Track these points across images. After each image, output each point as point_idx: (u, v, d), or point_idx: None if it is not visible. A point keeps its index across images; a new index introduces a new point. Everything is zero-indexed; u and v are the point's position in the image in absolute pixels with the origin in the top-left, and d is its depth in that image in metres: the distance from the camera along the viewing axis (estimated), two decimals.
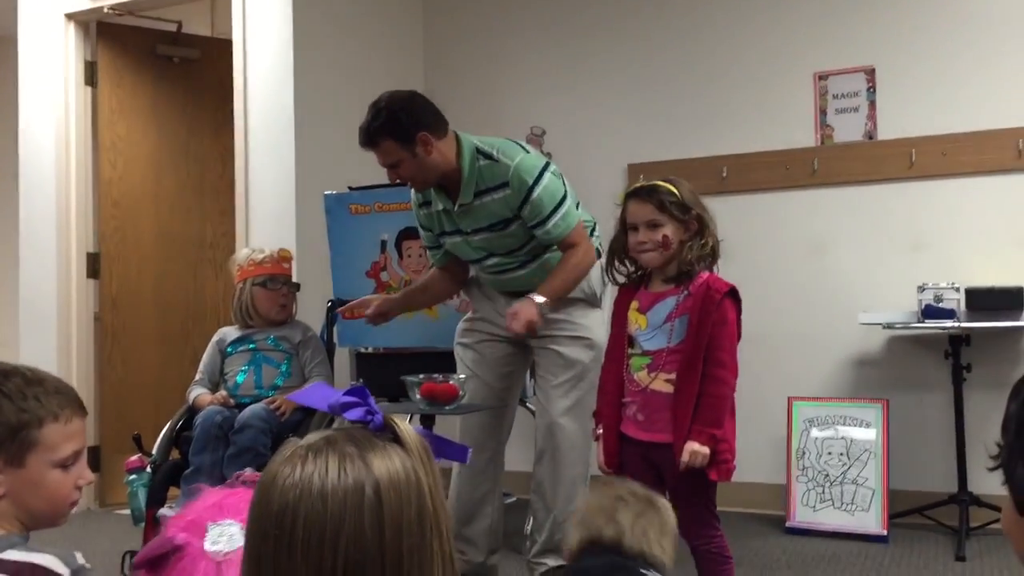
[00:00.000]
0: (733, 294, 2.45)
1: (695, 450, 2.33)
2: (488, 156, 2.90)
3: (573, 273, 2.93)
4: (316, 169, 4.33)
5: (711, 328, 2.39)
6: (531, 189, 2.85)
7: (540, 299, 2.81)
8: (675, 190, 2.47)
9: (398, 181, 2.98)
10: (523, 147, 2.95)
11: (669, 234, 2.46)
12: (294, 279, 3.65)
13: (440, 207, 3.01)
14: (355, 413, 1.01)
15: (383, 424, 1.00)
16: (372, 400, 1.02)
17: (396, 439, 1.00)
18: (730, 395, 2.41)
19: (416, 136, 2.84)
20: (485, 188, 2.89)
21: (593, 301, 3.07)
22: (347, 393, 1.02)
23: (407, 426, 1.02)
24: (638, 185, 2.56)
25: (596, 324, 3.05)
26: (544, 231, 2.90)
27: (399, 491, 0.95)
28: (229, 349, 3.42)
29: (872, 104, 4.22)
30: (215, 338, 3.51)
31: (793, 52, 4.36)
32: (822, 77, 4.31)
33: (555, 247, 2.97)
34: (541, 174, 2.87)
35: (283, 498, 0.94)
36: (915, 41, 4.16)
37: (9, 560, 1.33)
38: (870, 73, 4.22)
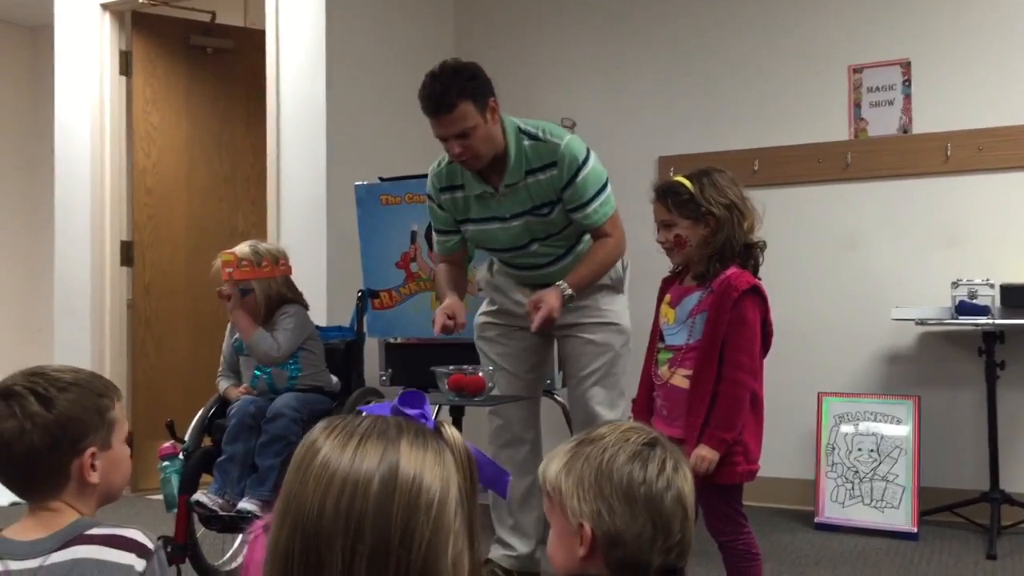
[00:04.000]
0: (755, 292, 2.41)
1: (701, 455, 2.31)
2: (533, 136, 2.85)
3: (602, 266, 2.91)
4: (347, 160, 4.35)
5: (728, 327, 2.36)
6: (579, 170, 2.82)
7: (568, 290, 2.79)
8: (690, 187, 2.43)
9: (460, 156, 2.79)
10: (566, 129, 2.92)
11: (682, 233, 2.44)
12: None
13: (476, 191, 2.92)
14: (410, 414, 1.02)
15: (435, 429, 1.02)
16: (428, 407, 1.03)
17: (444, 443, 1.01)
18: (746, 396, 2.36)
19: (488, 100, 2.77)
20: (531, 168, 2.85)
21: (618, 287, 3.05)
22: (405, 398, 1.04)
23: (457, 434, 1.02)
24: (660, 183, 2.56)
25: (622, 309, 3.04)
26: (584, 215, 2.87)
27: (416, 480, 0.95)
28: (237, 345, 3.39)
29: (907, 98, 4.18)
30: (228, 328, 3.46)
31: (828, 45, 4.32)
32: (857, 70, 4.27)
33: (585, 238, 2.96)
34: (587, 157, 2.85)
35: (312, 440, 0.97)
36: (951, 34, 4.11)
37: (99, 534, 1.40)
38: (906, 66, 4.18)
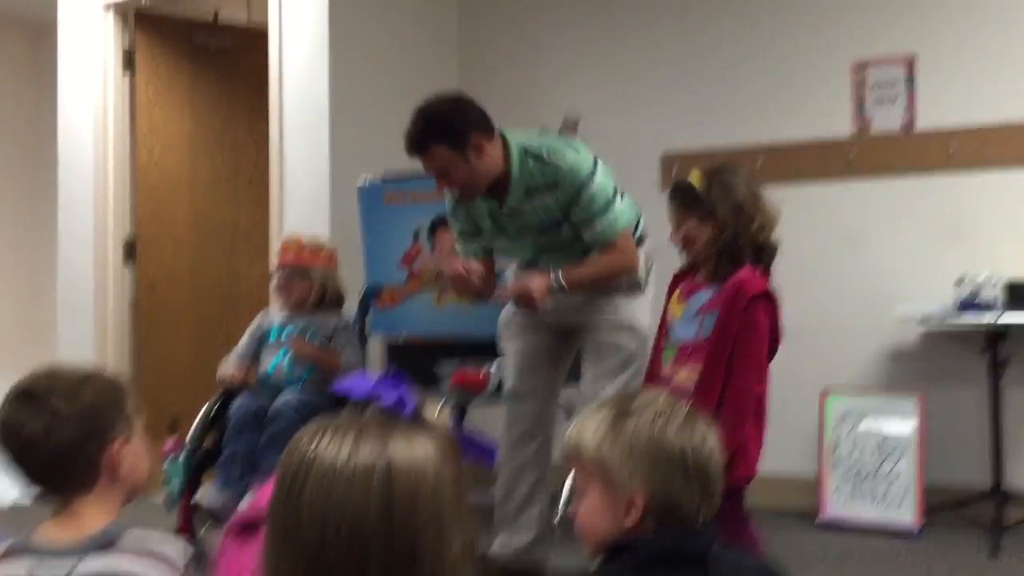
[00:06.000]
0: (767, 296, 2.40)
1: None
2: (537, 156, 2.83)
3: (602, 271, 2.90)
4: (350, 158, 4.34)
5: (737, 330, 2.35)
6: (581, 190, 2.80)
7: (559, 280, 2.80)
8: (697, 185, 2.43)
9: (447, 190, 2.88)
10: (572, 146, 2.90)
11: (691, 232, 2.44)
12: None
13: (485, 208, 2.94)
14: (389, 399, 1.02)
15: (414, 413, 1.02)
16: (407, 389, 1.03)
17: (425, 428, 1.01)
18: (751, 401, 2.36)
19: (469, 140, 2.77)
20: (534, 190, 2.84)
21: (637, 288, 3.01)
22: (385, 381, 1.04)
23: (437, 417, 1.02)
24: (674, 182, 2.56)
25: (639, 311, 3.01)
26: (591, 233, 2.86)
27: (413, 473, 0.95)
28: (268, 332, 3.46)
29: (911, 94, 4.16)
30: (256, 322, 3.55)
31: (831, 40, 4.31)
32: (861, 66, 4.26)
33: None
34: (592, 175, 2.82)
35: (300, 459, 0.97)
36: (956, 29, 4.09)
37: (131, 542, 1.38)
38: (910, 62, 4.16)
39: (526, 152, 2.84)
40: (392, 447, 0.96)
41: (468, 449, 1.06)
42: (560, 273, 2.82)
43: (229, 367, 3.41)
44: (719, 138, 4.43)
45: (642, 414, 1.35)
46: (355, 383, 1.06)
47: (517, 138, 2.88)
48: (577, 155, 2.84)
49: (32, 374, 1.47)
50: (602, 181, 2.84)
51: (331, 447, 0.96)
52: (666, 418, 1.35)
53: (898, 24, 4.19)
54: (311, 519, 0.93)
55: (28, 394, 1.43)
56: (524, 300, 2.79)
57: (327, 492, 0.93)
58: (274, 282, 3.50)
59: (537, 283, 2.79)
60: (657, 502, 1.30)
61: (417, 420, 1.02)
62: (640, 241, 3.00)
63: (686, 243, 2.46)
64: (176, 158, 5.02)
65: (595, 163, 2.86)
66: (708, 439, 1.36)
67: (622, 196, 2.95)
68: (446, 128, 2.76)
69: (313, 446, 0.97)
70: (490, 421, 3.24)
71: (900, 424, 3.93)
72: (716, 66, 4.53)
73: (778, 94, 4.40)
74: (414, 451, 0.96)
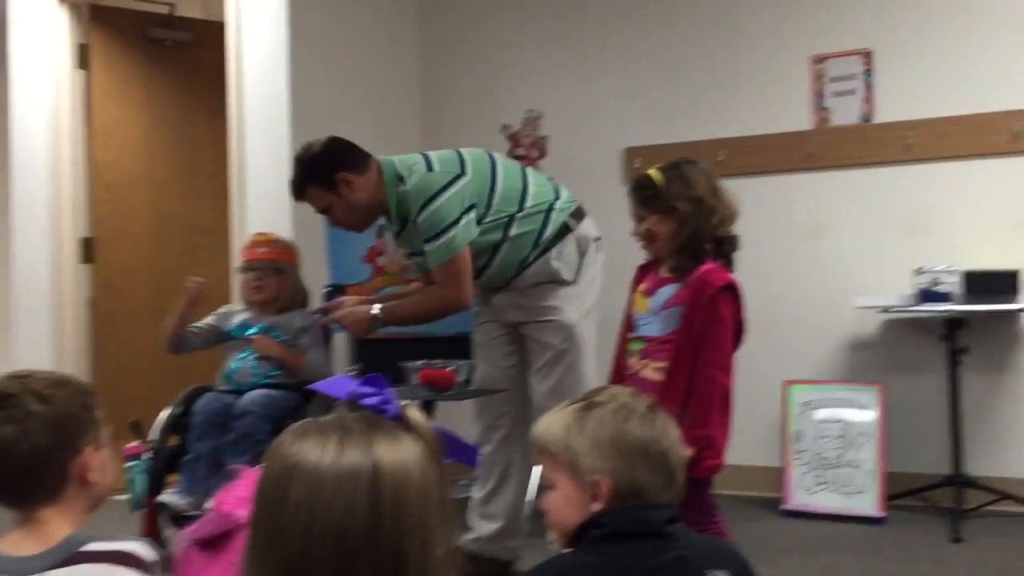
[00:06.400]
0: (731, 289, 2.42)
1: None
2: (400, 180, 2.92)
3: (419, 310, 3.02)
4: None
5: (703, 324, 2.36)
6: (421, 212, 2.87)
7: (375, 310, 2.93)
8: (656, 180, 2.44)
9: (335, 227, 3.05)
10: (431, 165, 2.91)
11: (652, 227, 2.46)
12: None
13: (393, 229, 3.07)
14: (371, 401, 1.01)
15: (397, 414, 1.00)
16: (389, 390, 1.02)
17: (408, 429, 1.00)
18: (719, 393, 2.36)
19: (335, 177, 2.90)
20: (408, 213, 2.92)
21: (558, 280, 2.99)
22: (365, 382, 1.02)
23: (421, 417, 1.01)
24: (634, 177, 2.57)
25: (567, 303, 2.98)
26: (426, 257, 2.92)
27: (400, 474, 0.94)
28: (232, 332, 3.40)
29: (869, 87, 4.21)
30: (221, 310, 3.50)
31: (790, 35, 4.35)
32: (819, 60, 4.30)
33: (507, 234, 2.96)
34: (431, 199, 2.85)
35: (283, 462, 0.95)
36: (913, 24, 4.15)
37: (96, 550, 1.34)
38: (867, 56, 4.21)
39: (395, 177, 2.93)
40: (378, 449, 0.94)
41: (452, 449, 1.05)
42: (380, 308, 2.94)
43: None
44: (680, 132, 4.46)
45: (606, 407, 1.44)
46: (335, 383, 1.05)
47: (392, 165, 2.95)
48: (426, 175, 2.89)
49: (2, 377, 1.43)
50: (442, 206, 2.85)
51: (315, 450, 0.94)
52: (629, 411, 1.43)
53: (856, 19, 4.23)
54: (296, 524, 0.91)
55: (2, 397, 1.38)
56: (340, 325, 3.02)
57: (313, 496, 0.91)
58: (240, 279, 3.44)
59: (354, 314, 2.95)
60: (622, 488, 1.38)
61: (400, 421, 1.00)
62: (563, 234, 2.98)
63: (647, 238, 2.48)
64: (133, 154, 4.94)
65: (444, 187, 2.86)
66: (668, 431, 1.45)
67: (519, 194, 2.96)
68: (314, 170, 2.95)
69: (296, 449, 0.95)
70: (456, 417, 3.24)
71: (861, 413, 3.98)
72: (677, 62, 4.55)
73: (739, 88, 4.43)
74: (400, 453, 0.95)
